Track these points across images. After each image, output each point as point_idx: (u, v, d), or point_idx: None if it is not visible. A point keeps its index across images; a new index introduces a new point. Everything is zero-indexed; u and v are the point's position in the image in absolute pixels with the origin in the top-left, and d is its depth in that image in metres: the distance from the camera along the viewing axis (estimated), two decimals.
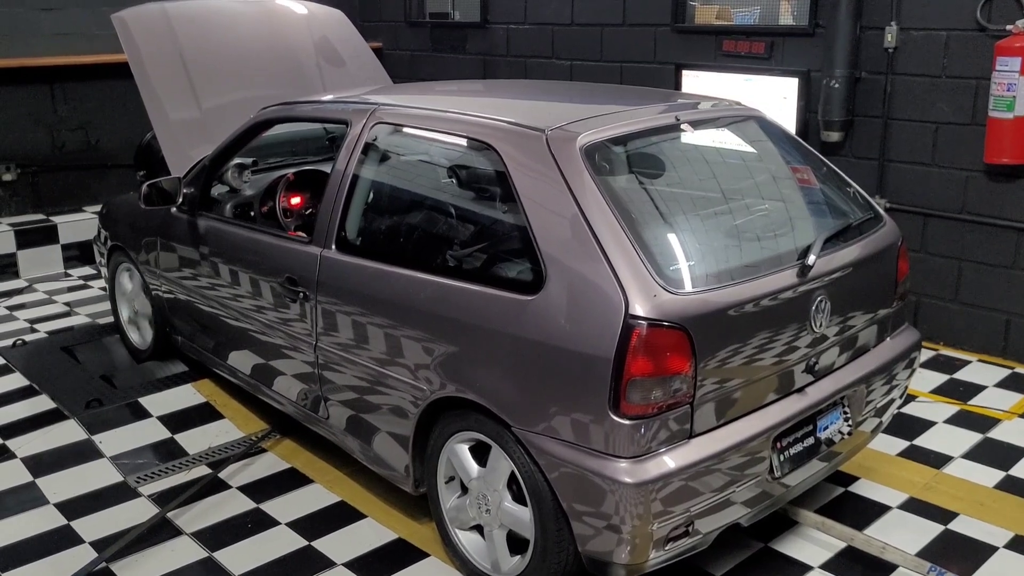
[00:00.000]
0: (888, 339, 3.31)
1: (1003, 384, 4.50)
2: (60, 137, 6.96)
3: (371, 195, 3.35)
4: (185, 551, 3.22)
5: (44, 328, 5.48)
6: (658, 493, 2.49)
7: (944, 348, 4.93)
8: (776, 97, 5.19)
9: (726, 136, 3.35)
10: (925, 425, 4.08)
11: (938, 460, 3.78)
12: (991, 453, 3.83)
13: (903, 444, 3.91)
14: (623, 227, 2.60)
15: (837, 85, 4.94)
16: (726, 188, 3.17)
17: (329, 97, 4.00)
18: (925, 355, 4.66)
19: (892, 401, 3.35)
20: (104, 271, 5.14)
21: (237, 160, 4.13)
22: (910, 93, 4.85)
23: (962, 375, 4.61)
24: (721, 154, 3.31)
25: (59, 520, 3.41)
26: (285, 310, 3.56)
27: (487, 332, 2.76)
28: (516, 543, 2.88)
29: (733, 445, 2.65)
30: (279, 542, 3.27)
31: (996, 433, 4.01)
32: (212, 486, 3.61)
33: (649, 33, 5.99)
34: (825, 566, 3.09)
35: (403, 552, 3.21)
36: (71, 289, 6.30)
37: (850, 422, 3.10)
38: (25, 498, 3.56)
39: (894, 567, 3.05)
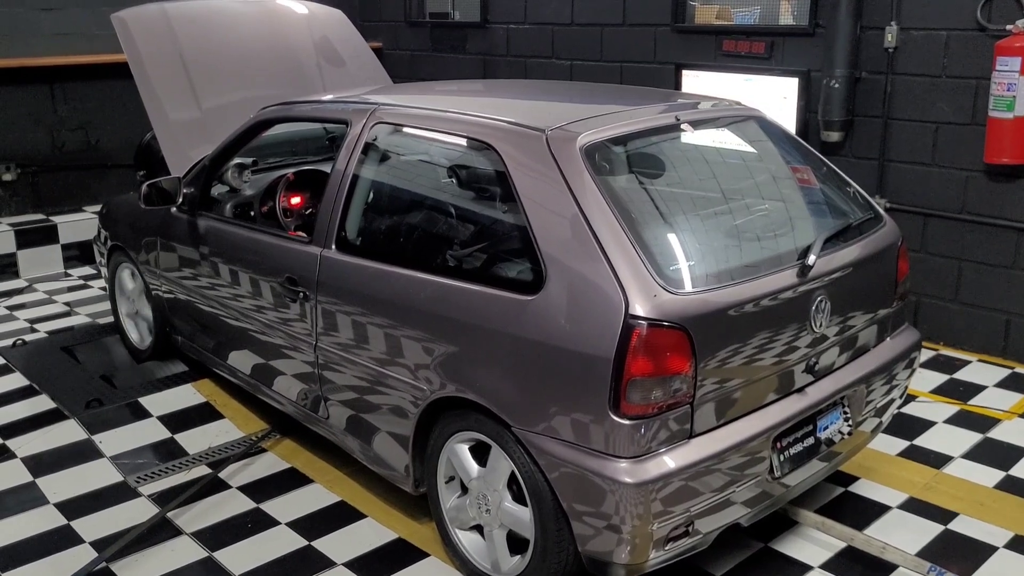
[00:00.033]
0: (888, 339, 3.31)
1: (1003, 384, 4.50)
2: (60, 137, 6.96)
3: (371, 195, 3.35)
4: (185, 551, 3.22)
5: (44, 328, 5.48)
6: (658, 493, 2.49)
7: (944, 348, 4.93)
8: (776, 97, 5.19)
9: (726, 136, 3.35)
10: (925, 425, 4.08)
11: (938, 460, 3.78)
12: (991, 453, 3.83)
13: (903, 444, 3.91)
14: (623, 227, 2.60)
15: (837, 85, 4.94)
16: (726, 188, 3.17)
17: (329, 97, 4.00)
18: (925, 355, 4.66)
19: (892, 401, 3.35)
20: (104, 271, 5.14)
21: (237, 160, 4.13)
22: (910, 93, 4.85)
23: (962, 375, 4.61)
24: (721, 154, 3.31)
25: (59, 520, 3.42)
26: (285, 310, 3.56)
27: (487, 332, 2.76)
28: (516, 543, 2.88)
29: (733, 445, 2.65)
30: (279, 542, 3.27)
31: (996, 433, 4.01)
32: (212, 486, 3.61)
33: (649, 33, 5.99)
34: (825, 566, 3.09)
35: (403, 552, 3.21)
36: (71, 289, 6.30)
37: (850, 422, 3.10)
38: (25, 498, 3.56)
39: (894, 567, 3.05)
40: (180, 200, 4.10)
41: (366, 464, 3.41)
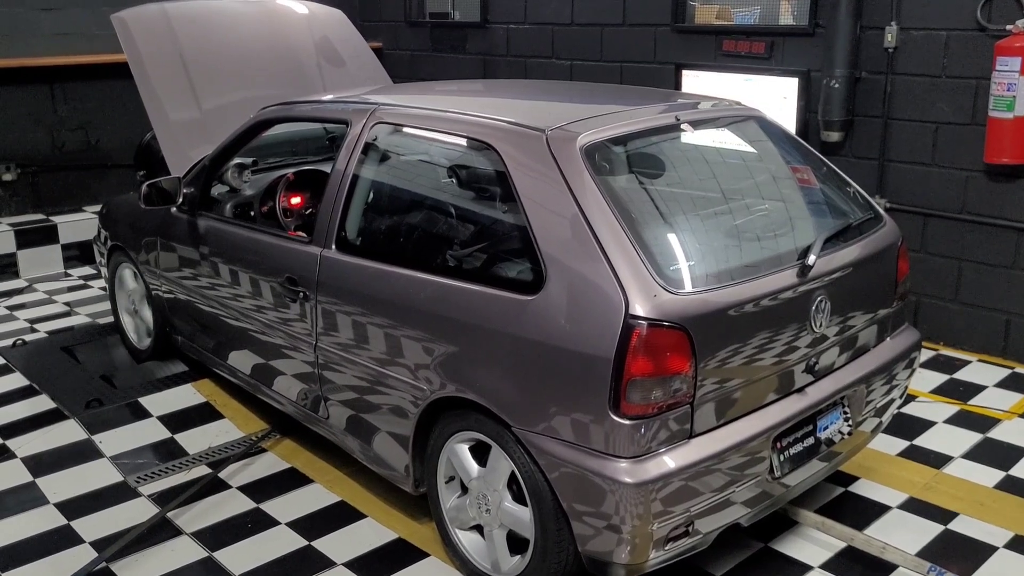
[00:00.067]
0: (888, 339, 3.31)
1: (1003, 384, 4.50)
2: (60, 137, 6.96)
3: (371, 195, 3.35)
4: (185, 551, 3.22)
5: (44, 328, 5.48)
6: (658, 493, 2.49)
7: (944, 348, 4.93)
8: (776, 97, 5.19)
9: (726, 136, 3.35)
10: (925, 425, 4.08)
11: (938, 460, 3.78)
12: (991, 453, 3.83)
13: (903, 444, 3.91)
14: (623, 227, 2.60)
15: (837, 85, 4.94)
16: (726, 188, 3.17)
17: (329, 97, 4.00)
18: (925, 355, 4.66)
19: (892, 401, 3.35)
20: (104, 271, 5.14)
21: (237, 160, 4.13)
22: (910, 93, 4.85)
23: (962, 375, 4.61)
24: (721, 154, 3.31)
25: (59, 520, 3.42)
26: (285, 310, 3.56)
27: (487, 332, 2.76)
28: (516, 543, 2.88)
29: (733, 445, 2.65)
30: (279, 542, 3.27)
31: (996, 433, 4.01)
32: (212, 486, 3.61)
33: (649, 33, 5.99)
34: (825, 566, 3.09)
35: (403, 552, 3.21)
36: (71, 289, 6.30)
37: (850, 422, 3.10)
38: (25, 498, 3.56)
39: (894, 567, 3.05)
40: (180, 200, 4.10)
41: (366, 464, 3.41)
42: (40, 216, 6.84)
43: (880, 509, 3.43)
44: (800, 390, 2.91)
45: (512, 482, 2.82)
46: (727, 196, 3.12)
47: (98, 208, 5.71)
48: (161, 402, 4.33)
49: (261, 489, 3.61)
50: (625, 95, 4.05)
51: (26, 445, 3.97)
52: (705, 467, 2.58)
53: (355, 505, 3.49)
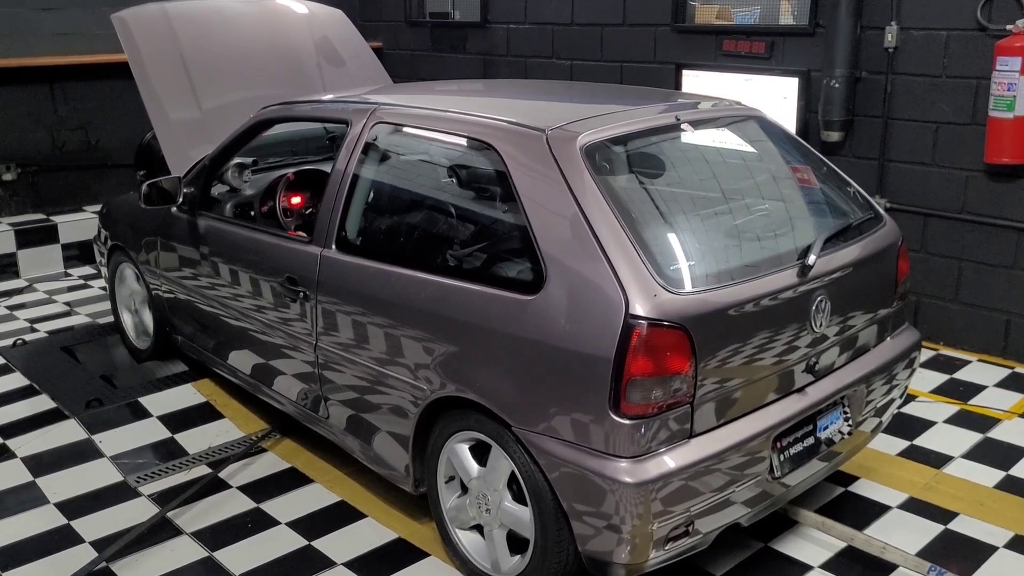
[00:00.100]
0: (888, 339, 3.31)
1: (1003, 384, 4.50)
2: (60, 137, 6.96)
3: (371, 195, 3.35)
4: (185, 551, 3.22)
5: (44, 328, 5.48)
6: (658, 493, 2.49)
7: (944, 348, 4.93)
8: (776, 97, 5.19)
9: (726, 136, 3.35)
10: (925, 425, 4.08)
11: (938, 460, 3.78)
12: (991, 453, 3.83)
13: (903, 444, 3.91)
14: (623, 227, 2.60)
15: (837, 85, 4.94)
16: (726, 188, 3.17)
17: (329, 97, 4.00)
18: (925, 355, 4.66)
19: (892, 401, 3.35)
20: (104, 271, 5.14)
21: (237, 160, 4.13)
22: (910, 93, 4.85)
23: (962, 375, 4.61)
24: (721, 154, 3.31)
25: (59, 520, 3.42)
26: (285, 310, 3.56)
27: (487, 332, 2.76)
28: (516, 543, 2.88)
29: (733, 445, 2.65)
30: (279, 542, 3.27)
31: (996, 433, 4.01)
32: (212, 486, 3.61)
33: (649, 33, 5.99)
34: (825, 566, 3.09)
35: (403, 552, 3.21)
36: (71, 289, 6.30)
37: (850, 422, 3.10)
38: (25, 498, 3.56)
39: (894, 567, 3.05)
40: (180, 200, 4.10)
41: (366, 464, 3.41)
42: (40, 216, 6.84)
43: (880, 509, 3.43)
44: (800, 390, 2.91)
45: (512, 482, 2.82)
46: (727, 196, 3.12)
47: (98, 208, 5.71)
48: (161, 402, 4.33)
49: (261, 489, 3.61)
50: (625, 95, 4.05)
51: (26, 445, 3.97)
52: (705, 467, 2.58)
53: (355, 505, 3.49)
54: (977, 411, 4.21)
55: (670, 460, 2.53)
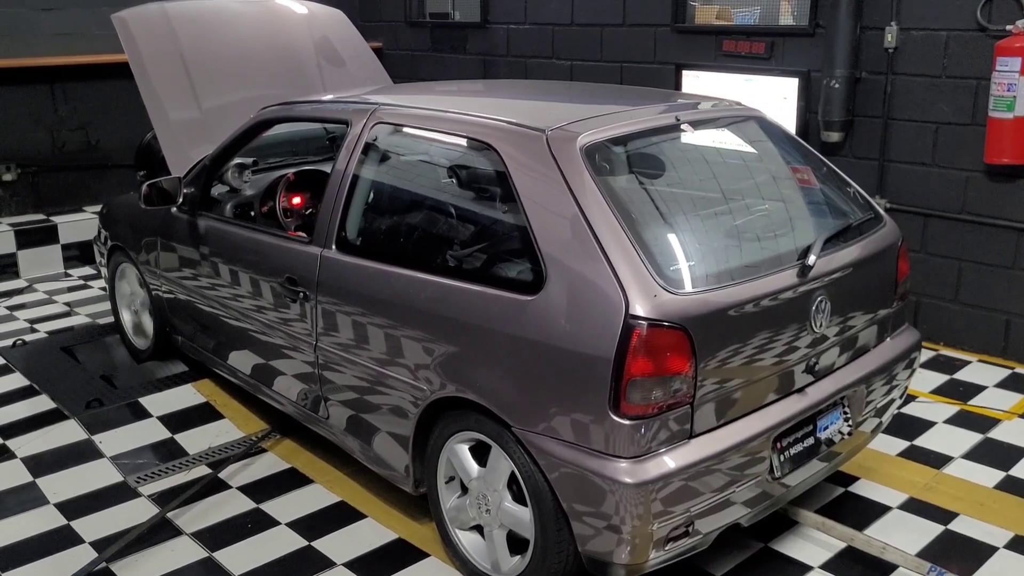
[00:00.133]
0: (888, 339, 3.31)
1: (1003, 384, 4.50)
2: (60, 137, 6.96)
3: (371, 195, 3.35)
4: (185, 551, 3.22)
5: (44, 328, 5.48)
6: (658, 493, 2.49)
7: (944, 348, 4.93)
8: (776, 97, 5.19)
9: (726, 136, 3.35)
10: (925, 425, 4.08)
11: (938, 460, 3.78)
12: (991, 453, 3.83)
13: (903, 444, 3.91)
14: (623, 227, 2.60)
15: (837, 85, 4.94)
16: (726, 188, 3.17)
17: (329, 97, 4.00)
18: (925, 355, 4.66)
19: (892, 401, 3.35)
20: (104, 271, 5.14)
21: (237, 160, 4.13)
22: (910, 93, 4.85)
23: (962, 375, 4.61)
24: (721, 154, 3.31)
25: (59, 520, 3.41)
26: (285, 310, 3.56)
27: (487, 332, 2.76)
28: (516, 543, 2.88)
29: (733, 445, 2.65)
30: (279, 542, 3.27)
31: (996, 433, 4.01)
32: (212, 486, 3.61)
33: (649, 33, 5.99)
34: (825, 566, 3.09)
35: (403, 552, 3.21)
36: (71, 289, 6.30)
37: (850, 422, 3.10)
38: (25, 498, 3.56)
39: (894, 567, 3.05)
40: (180, 200, 4.10)
41: (366, 464, 3.41)
42: (40, 216, 6.84)
43: (880, 509, 3.43)
44: (800, 390, 2.91)
45: (512, 482, 2.82)
46: (727, 196, 3.12)
47: (98, 208, 5.71)
48: (161, 402, 4.33)
49: (261, 489, 3.61)
50: (625, 95, 4.05)
51: (26, 445, 3.97)
52: (705, 467, 2.58)
53: (355, 505, 3.49)
54: (977, 411, 4.21)
55: (670, 460, 2.53)
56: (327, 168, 3.63)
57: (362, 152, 3.35)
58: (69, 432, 4.07)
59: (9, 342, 5.16)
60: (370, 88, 4.29)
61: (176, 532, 3.33)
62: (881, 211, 3.41)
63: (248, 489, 3.62)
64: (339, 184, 3.35)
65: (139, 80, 4.46)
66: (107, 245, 4.94)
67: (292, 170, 4.18)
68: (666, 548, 2.60)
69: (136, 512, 3.45)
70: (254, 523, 3.39)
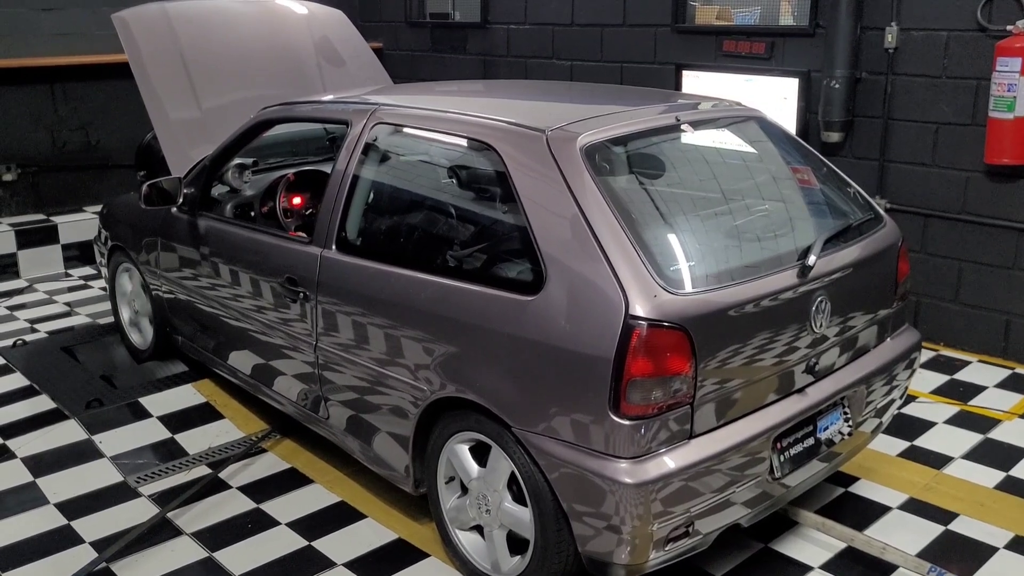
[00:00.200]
0: (888, 339, 3.31)
1: (1003, 385, 4.50)
2: (60, 137, 6.96)
3: (371, 195, 3.35)
4: (185, 551, 3.22)
5: (44, 328, 5.48)
6: (658, 494, 2.49)
7: (944, 349, 4.93)
8: (776, 97, 5.19)
9: (726, 136, 3.35)
10: (925, 426, 4.08)
11: (938, 461, 3.78)
12: (991, 454, 3.83)
13: (903, 444, 3.91)
14: (623, 227, 2.60)
15: (837, 85, 4.94)
16: (726, 188, 3.17)
17: (329, 97, 4.00)
18: (925, 356, 4.66)
19: (892, 402, 3.35)
20: (104, 271, 5.14)
21: (237, 160, 4.13)
22: (910, 93, 4.85)
23: (962, 376, 4.61)
24: (721, 154, 3.31)
25: (59, 520, 3.41)
26: (285, 310, 3.56)
27: (487, 332, 2.76)
28: (516, 543, 2.88)
29: (733, 446, 2.65)
30: (279, 542, 3.27)
31: (996, 434, 4.01)
32: (212, 486, 3.61)
33: (649, 33, 5.99)
34: (825, 567, 3.09)
35: (403, 552, 3.21)
36: (71, 289, 6.30)
37: (850, 422, 3.10)
38: (25, 498, 3.56)
39: (894, 568, 3.05)
40: (180, 200, 4.10)
41: (366, 464, 3.41)
42: (40, 216, 6.84)
43: (880, 510, 3.43)
44: (800, 390, 2.91)
45: (512, 482, 2.82)
46: (727, 196, 3.12)
47: (98, 208, 5.72)
48: (161, 402, 4.33)
49: (261, 489, 3.61)
50: (625, 95, 4.05)
51: (26, 445, 3.97)
52: (705, 467, 2.58)
53: (355, 505, 3.49)
54: (977, 412, 4.21)
55: (670, 461, 2.53)
56: (327, 168, 3.63)
57: (362, 152, 3.35)
58: (69, 432, 4.07)
59: (9, 342, 5.16)
60: (370, 88, 4.29)
61: (176, 532, 3.33)
62: (881, 211, 3.41)
63: (248, 489, 3.62)
64: (339, 184, 3.35)
65: (139, 80, 4.46)
66: (107, 245, 4.94)
67: (292, 170, 4.19)
68: (666, 548, 2.60)
69: (136, 512, 3.45)
70: (254, 523, 3.39)
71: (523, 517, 2.79)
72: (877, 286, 3.22)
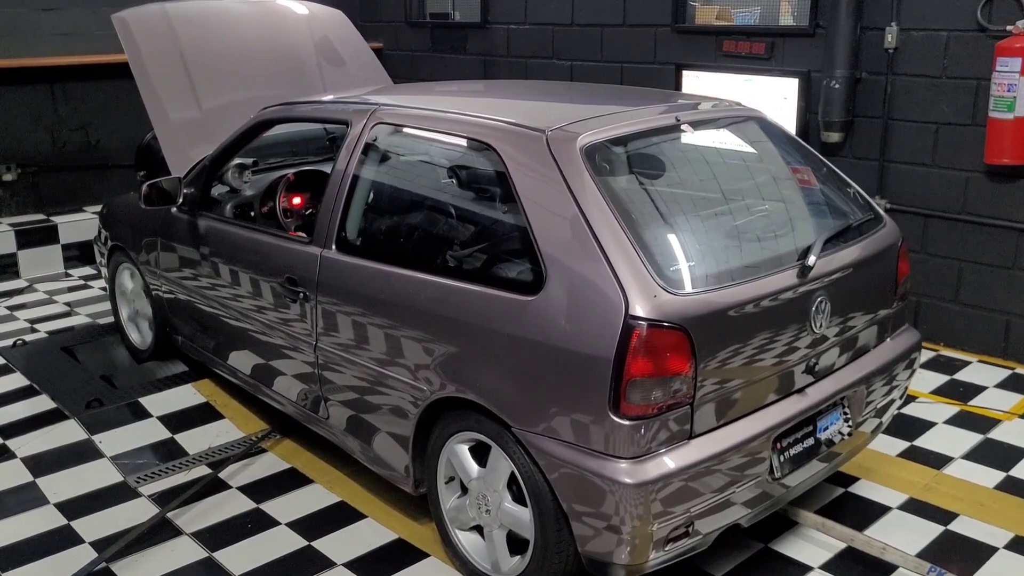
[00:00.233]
0: (888, 340, 3.31)
1: (1003, 385, 4.50)
2: (61, 137, 6.96)
3: (371, 195, 3.35)
4: (185, 551, 3.22)
5: (44, 328, 5.48)
6: (658, 494, 2.49)
7: (944, 349, 4.93)
8: (776, 98, 5.19)
9: (726, 136, 3.35)
10: (925, 426, 4.08)
11: (938, 461, 3.78)
12: (991, 454, 3.83)
13: (903, 445, 3.91)
14: (623, 227, 2.60)
15: (837, 86, 4.94)
16: (726, 189, 3.17)
17: (329, 97, 4.00)
18: (925, 356, 4.66)
19: (892, 402, 3.35)
20: (104, 271, 5.14)
21: (237, 160, 4.13)
22: (910, 94, 4.85)
23: (962, 376, 4.61)
24: (721, 155, 3.31)
25: (59, 520, 3.41)
26: (285, 310, 3.56)
27: (487, 332, 2.76)
28: (516, 543, 2.88)
29: (733, 446, 2.65)
30: (279, 542, 3.27)
31: (996, 434, 4.01)
32: (212, 486, 3.61)
33: (649, 33, 5.99)
34: (825, 567, 3.09)
35: (403, 552, 3.21)
36: (71, 289, 6.30)
37: (850, 423, 3.10)
38: (25, 498, 3.56)
39: (894, 568, 3.05)
40: (180, 200, 4.10)
41: (366, 464, 3.41)
42: (40, 216, 6.84)
43: (880, 510, 3.43)
44: (800, 391, 2.91)
45: (512, 483, 2.82)
46: (727, 197, 3.12)
47: (98, 208, 5.71)
48: (161, 402, 4.33)
49: (261, 489, 3.61)
50: (625, 95, 4.05)
51: (26, 445, 3.97)
52: (705, 468, 2.58)
53: (355, 505, 3.49)
54: (977, 412, 4.21)
55: (670, 461, 2.53)
56: (327, 168, 3.63)
57: (362, 152, 3.35)
58: (69, 432, 4.07)
59: (9, 342, 5.16)
60: (370, 88, 4.29)
61: (176, 532, 3.33)
62: (881, 211, 3.41)
63: (248, 489, 3.62)
64: (339, 184, 3.35)
65: (139, 80, 4.46)
66: (107, 245, 4.94)
67: (292, 170, 4.19)
68: (666, 548, 2.60)
69: (136, 512, 3.45)
70: (254, 523, 3.39)
71: (523, 517, 2.79)
72: (877, 286, 3.22)
